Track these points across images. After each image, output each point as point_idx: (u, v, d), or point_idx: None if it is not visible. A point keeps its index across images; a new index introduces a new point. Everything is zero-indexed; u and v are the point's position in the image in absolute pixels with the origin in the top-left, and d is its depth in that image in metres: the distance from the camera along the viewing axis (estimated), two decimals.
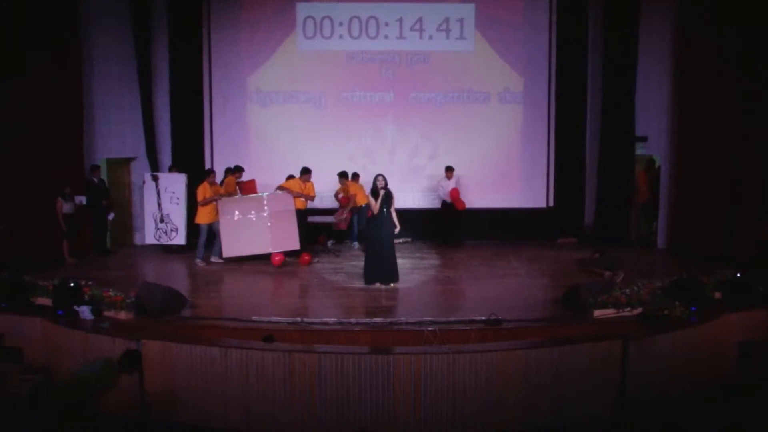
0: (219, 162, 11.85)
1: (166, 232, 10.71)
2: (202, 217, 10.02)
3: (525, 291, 8.36)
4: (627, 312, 6.87)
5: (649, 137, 11.26)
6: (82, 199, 10.26)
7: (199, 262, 9.89)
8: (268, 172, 11.23)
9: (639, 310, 6.89)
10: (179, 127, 11.86)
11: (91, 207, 10.46)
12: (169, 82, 11.75)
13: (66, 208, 9.96)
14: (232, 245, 9.86)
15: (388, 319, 6.86)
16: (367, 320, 6.85)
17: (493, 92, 12.05)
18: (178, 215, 10.75)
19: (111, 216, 10.79)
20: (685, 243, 10.47)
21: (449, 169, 11.37)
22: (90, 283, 7.23)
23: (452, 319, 6.87)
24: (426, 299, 8.08)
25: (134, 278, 8.79)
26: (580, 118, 12.05)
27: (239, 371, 5.79)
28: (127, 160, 11.86)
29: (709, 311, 6.79)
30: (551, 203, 12.20)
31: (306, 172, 10.43)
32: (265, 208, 10.01)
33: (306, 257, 9.87)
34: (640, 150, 11.39)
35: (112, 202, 10.95)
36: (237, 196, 10.31)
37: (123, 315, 6.87)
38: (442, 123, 12.02)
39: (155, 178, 10.75)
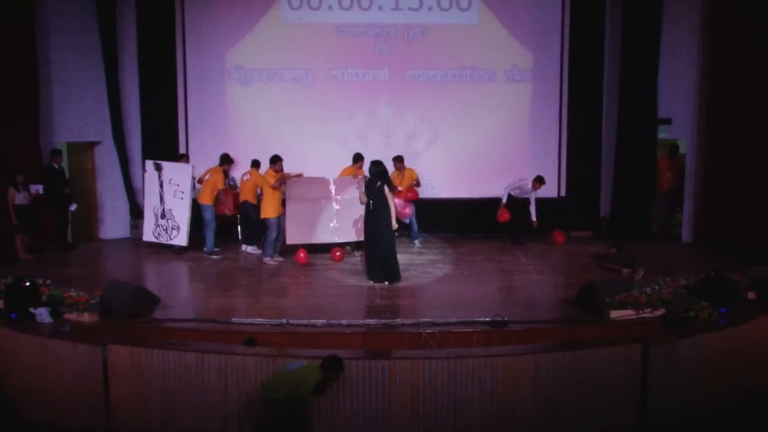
0: (194, 147, 11.81)
1: (166, 230, 10.35)
2: (271, 209, 9.76)
3: (534, 289, 8.35)
4: (648, 313, 6.87)
5: (673, 119, 11.24)
6: (38, 188, 10.13)
7: (268, 260, 9.76)
8: (249, 158, 11.13)
9: (661, 311, 6.89)
10: (150, 108, 11.78)
11: (51, 197, 10.37)
12: (137, 57, 11.64)
13: (18, 198, 9.86)
14: (297, 232, 9.89)
15: (383, 320, 6.86)
16: (360, 321, 6.84)
17: (499, 70, 12.00)
18: (181, 212, 10.29)
19: (73, 207, 10.70)
20: (713, 237, 10.49)
21: (539, 181, 10.99)
22: (48, 282, 7.16)
23: (453, 320, 6.86)
24: (424, 298, 8.06)
25: (99, 276, 8.73)
26: (596, 97, 12.03)
27: (217, 379, 5.76)
28: (91, 145, 11.76)
29: (741, 313, 6.78)
30: (563, 193, 12.19)
31: (359, 159, 10.57)
32: (332, 193, 10.12)
33: (336, 254, 9.96)
34: (663, 133, 11.38)
35: (74, 192, 10.85)
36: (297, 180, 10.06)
37: (86, 317, 6.81)
38: (443, 104, 11.98)
39: (158, 167, 10.32)
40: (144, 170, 10.49)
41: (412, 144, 12.05)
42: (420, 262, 9.77)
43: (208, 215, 10.31)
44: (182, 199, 10.27)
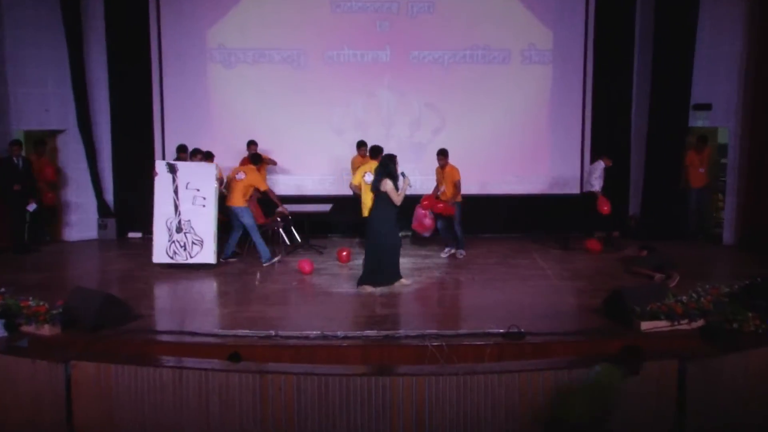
0: (171, 137, 11.80)
1: (184, 246, 9.55)
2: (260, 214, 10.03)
3: (554, 297, 8.30)
4: (684, 325, 6.81)
5: (713, 105, 11.20)
6: None
7: (272, 262, 9.86)
8: (233, 148, 11.11)
9: (700, 322, 6.83)
10: (120, 93, 11.75)
11: (7, 194, 10.33)
12: (105, 34, 11.60)
13: None
14: None
15: (384, 332, 6.82)
16: (358, 333, 6.80)
17: (514, 50, 11.98)
18: (203, 222, 9.58)
19: (32, 207, 10.63)
20: (760, 237, 10.46)
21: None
22: (3, 290, 7.10)
23: (463, 331, 6.82)
24: (431, 307, 8.03)
25: (62, 283, 8.68)
26: (625, 81, 12.01)
27: (197, 398, 5.71)
28: (53, 134, 11.70)
29: None
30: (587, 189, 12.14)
31: (361, 145, 10.77)
32: None
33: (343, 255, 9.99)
34: (701, 121, 11.34)
35: (35, 187, 10.80)
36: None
37: (47, 330, 6.74)
38: (451, 89, 11.96)
39: (172, 169, 9.58)
40: (154, 173, 9.64)
41: (416, 133, 12.03)
42: (426, 266, 9.74)
43: (249, 219, 9.86)
44: (204, 206, 9.57)
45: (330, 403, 5.60)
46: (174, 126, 11.90)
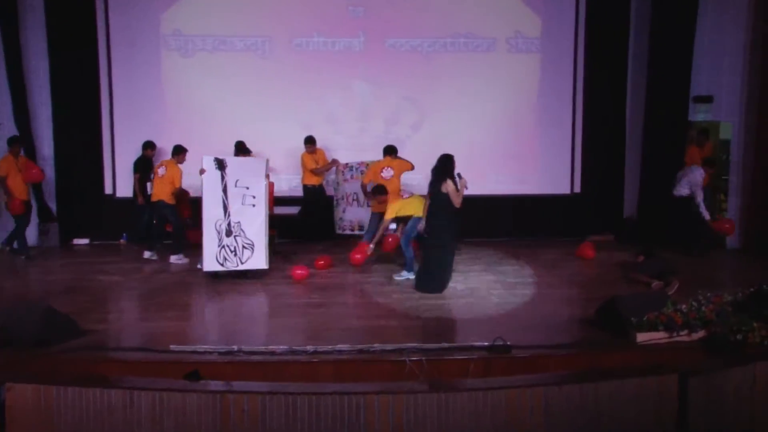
0: (122, 132, 11.71)
1: (234, 251, 9.43)
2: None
3: (544, 306, 8.34)
4: (684, 336, 6.86)
5: (715, 97, 11.32)
6: None
7: (177, 259, 10.23)
8: (190, 145, 10.98)
9: (701, 333, 6.89)
10: (63, 83, 11.61)
11: None
12: (45, 15, 11.45)
13: None
14: None
15: (358, 346, 6.79)
16: (330, 348, 6.76)
17: (500, 37, 12.04)
18: (254, 224, 9.49)
19: None
20: (766, 240, 10.61)
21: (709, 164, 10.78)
22: None
23: (445, 345, 6.81)
24: (409, 319, 8.00)
25: None
26: (619, 72, 12.13)
27: (151, 421, 5.58)
28: None
29: None
30: (578, 188, 12.26)
31: (311, 141, 11.17)
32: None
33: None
34: (702, 115, 11.44)
35: None
36: None
37: None
38: (431, 80, 11.99)
39: (221, 165, 9.43)
40: (202, 169, 9.46)
41: (393, 128, 12.04)
42: (403, 275, 9.69)
43: (174, 216, 10.41)
44: (254, 206, 9.48)
45: (299, 424, 5.49)
46: (124, 120, 11.79)
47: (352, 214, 11.43)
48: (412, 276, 9.36)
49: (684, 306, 7.04)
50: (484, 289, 9.11)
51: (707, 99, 11.34)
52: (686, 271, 9.24)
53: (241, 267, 9.46)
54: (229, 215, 9.39)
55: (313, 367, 6.50)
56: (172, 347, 6.78)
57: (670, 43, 11.30)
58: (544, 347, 6.82)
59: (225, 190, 9.40)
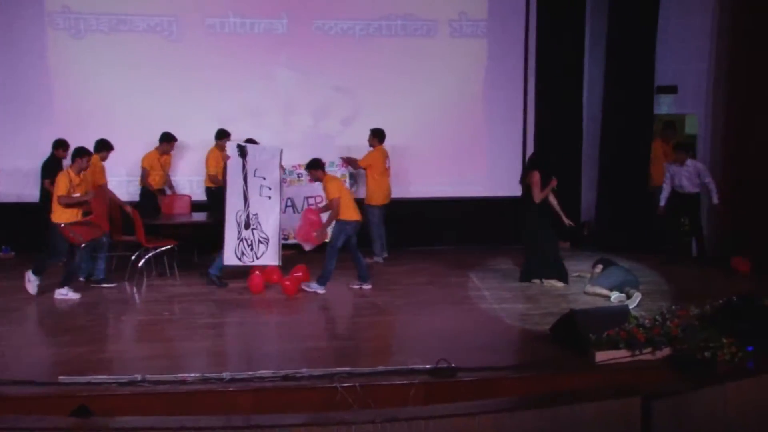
0: (2, 126, 11.41)
1: (251, 246, 9.78)
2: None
3: (493, 323, 8.36)
4: (648, 354, 6.93)
5: (679, 87, 11.59)
6: None
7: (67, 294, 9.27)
8: (86, 142, 10.71)
9: (666, 351, 6.97)
10: None
11: None
12: None
13: None
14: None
15: (282, 371, 6.71)
16: (249, 374, 6.68)
17: (441, 20, 12.14)
18: (270, 217, 9.82)
19: None
20: (737, 247, 10.81)
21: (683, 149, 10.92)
22: None
23: (381, 368, 6.78)
24: (340, 339, 8.01)
25: None
26: (575, 58, 12.34)
27: None
28: None
29: None
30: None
31: (224, 135, 11.10)
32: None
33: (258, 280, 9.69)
34: (665, 107, 11.65)
35: None
36: None
37: None
38: (365, 67, 12.03)
39: (243, 152, 9.75)
40: (226, 155, 9.94)
41: (322, 123, 12.05)
42: (335, 290, 9.69)
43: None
44: (270, 198, 9.81)
45: None
46: (5, 113, 11.50)
47: (283, 223, 11.24)
48: (321, 290, 9.41)
49: (647, 321, 7.14)
50: (426, 304, 9.12)
51: (671, 89, 11.56)
52: (649, 283, 9.38)
53: (256, 262, 9.77)
54: (248, 206, 9.76)
55: (230, 397, 6.41)
56: (61, 379, 6.58)
57: (630, 27, 11.54)
58: (494, 369, 6.83)
59: (245, 180, 9.75)
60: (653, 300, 8.81)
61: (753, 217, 10.62)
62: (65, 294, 9.22)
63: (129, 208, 10.09)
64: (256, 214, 9.79)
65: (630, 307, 8.28)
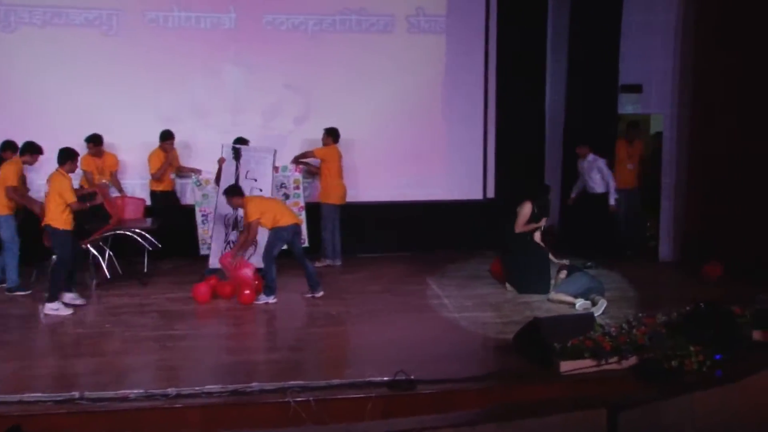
0: None
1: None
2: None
3: (453, 332, 8.41)
4: (614, 364, 7.00)
5: (644, 86, 11.73)
6: None
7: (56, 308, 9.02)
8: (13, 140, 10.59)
9: (632, 360, 7.05)
10: None
11: None
12: None
13: None
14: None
15: (231, 386, 6.70)
16: (197, 389, 6.65)
17: (398, 15, 12.17)
18: None
19: None
20: (704, 252, 10.92)
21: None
22: None
23: (336, 382, 6.80)
24: (293, 351, 7.98)
25: None
26: (536, 57, 12.44)
27: None
28: None
29: (746, 360, 7.02)
30: (491, 193, 12.47)
31: (169, 136, 11.18)
32: None
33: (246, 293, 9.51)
34: (630, 106, 11.78)
35: None
36: None
37: None
38: (317, 65, 11.99)
39: (237, 155, 10.48)
40: (221, 158, 10.63)
41: (273, 122, 12.01)
42: (287, 299, 9.68)
43: (6, 232, 9.72)
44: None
45: None
46: None
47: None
48: (272, 300, 9.39)
49: (613, 329, 7.22)
50: (383, 313, 9.14)
51: (636, 88, 11.67)
52: (614, 289, 9.47)
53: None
54: (238, 209, 10.08)
55: (176, 415, 6.37)
56: None
57: (594, 22, 11.64)
58: (455, 381, 6.86)
59: (237, 182, 10.33)
60: (619, 307, 8.91)
61: (722, 219, 10.74)
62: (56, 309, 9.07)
63: (37, 209, 9.86)
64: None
65: (596, 315, 8.39)
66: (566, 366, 6.94)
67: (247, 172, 10.41)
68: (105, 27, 11.54)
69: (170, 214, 11.29)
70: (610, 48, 11.56)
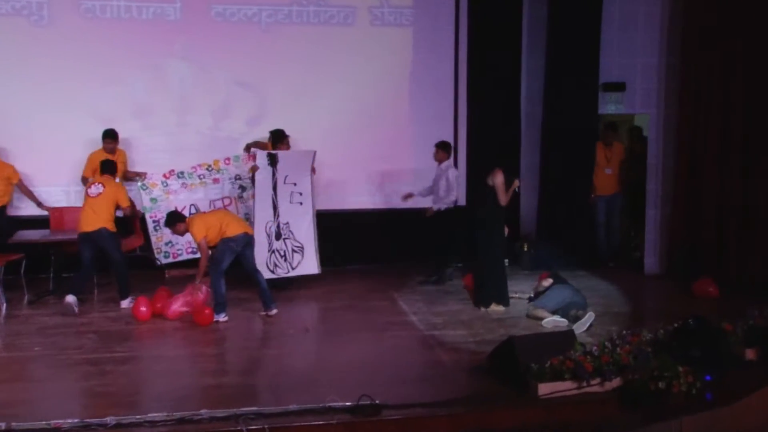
0: None
1: (285, 256, 10.86)
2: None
3: (421, 353, 8.44)
4: (596, 386, 7.01)
5: (627, 84, 11.83)
6: None
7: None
8: None
9: (616, 381, 7.08)
10: None
11: None
12: None
13: None
14: None
15: (178, 414, 6.65)
16: (138, 418, 6.59)
17: (361, 6, 12.22)
18: (302, 224, 10.92)
19: None
20: (692, 264, 11.01)
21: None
22: None
23: (294, 407, 6.75)
24: (246, 374, 7.98)
25: None
26: (511, 52, 12.49)
27: None
28: None
29: (738, 381, 7.09)
30: (462, 200, 12.45)
31: (111, 136, 11.04)
32: None
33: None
34: (612, 105, 11.87)
35: None
36: None
37: None
38: (272, 60, 12.04)
39: (273, 160, 10.64)
40: (254, 166, 10.70)
41: (223, 123, 12.01)
42: (238, 315, 9.67)
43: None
44: (301, 204, 10.89)
45: None
46: None
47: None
48: (223, 318, 9.39)
49: (595, 348, 7.23)
50: (345, 331, 9.15)
51: (617, 86, 11.75)
52: (596, 304, 9.52)
53: (292, 273, 10.89)
54: (278, 216, 10.74)
55: None
56: None
57: (573, 15, 11.72)
58: (423, 405, 6.85)
59: (275, 188, 10.72)
60: (602, 323, 8.95)
61: (711, 229, 10.85)
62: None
63: None
64: (287, 223, 10.84)
65: (581, 330, 8.44)
66: (544, 389, 6.93)
67: (285, 177, 10.69)
68: (35, 17, 11.45)
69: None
70: (590, 42, 11.67)
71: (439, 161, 11.23)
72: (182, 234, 9.88)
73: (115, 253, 9.99)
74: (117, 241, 10.09)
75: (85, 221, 9.84)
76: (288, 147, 11.09)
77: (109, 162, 10.36)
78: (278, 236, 10.82)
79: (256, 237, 10.21)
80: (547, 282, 9.71)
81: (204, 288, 9.53)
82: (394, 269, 11.86)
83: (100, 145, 11.13)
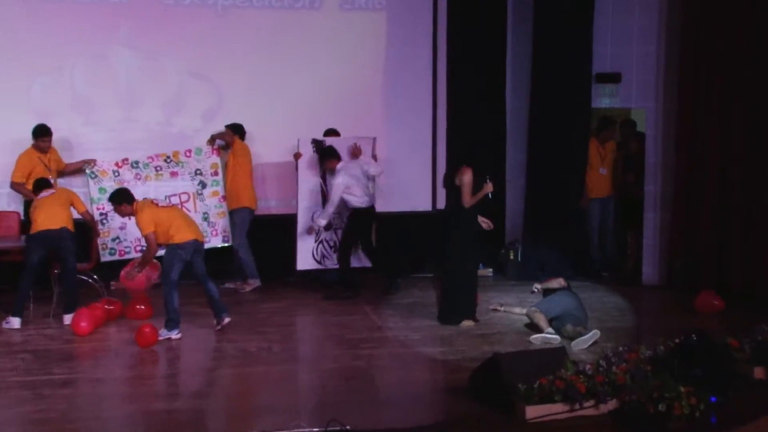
0: None
1: (334, 246, 11.68)
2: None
3: (398, 372, 8.43)
4: (589, 408, 7.04)
5: (623, 75, 11.85)
6: None
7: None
8: None
9: (612, 403, 7.09)
10: None
11: None
12: None
13: None
14: None
15: None
16: None
17: None
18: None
19: None
20: (695, 275, 11.06)
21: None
22: None
23: None
24: (204, 397, 7.97)
25: None
26: (495, 40, 12.53)
27: None
28: None
29: (745, 403, 7.11)
30: (442, 204, 12.39)
31: (45, 133, 10.93)
32: None
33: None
34: (607, 99, 11.92)
35: None
36: None
37: None
38: (230, 48, 12.04)
39: (319, 147, 11.46)
40: (298, 153, 11.56)
41: (176, 118, 12.01)
42: (193, 332, 9.65)
43: None
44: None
45: None
46: None
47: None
48: (176, 335, 9.37)
49: (588, 366, 7.24)
50: (311, 349, 9.15)
51: (612, 77, 11.79)
52: (590, 318, 9.55)
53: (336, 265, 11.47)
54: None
55: None
56: None
57: (562, 1, 11.78)
58: (398, 431, 6.83)
59: (324, 177, 11.59)
60: (596, 340, 8.98)
61: (715, 236, 10.91)
62: None
63: None
64: (339, 214, 11.42)
65: (580, 348, 8.48)
66: (533, 412, 6.94)
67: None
68: None
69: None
70: (582, 28, 11.71)
71: (332, 169, 11.34)
72: (124, 216, 9.93)
73: (72, 258, 10.01)
74: (75, 246, 10.09)
75: (46, 219, 9.76)
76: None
77: (43, 180, 10.34)
78: (328, 227, 11.53)
79: (298, 226, 11.46)
80: (559, 283, 9.76)
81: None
82: (363, 279, 11.75)
83: (30, 143, 11.06)
